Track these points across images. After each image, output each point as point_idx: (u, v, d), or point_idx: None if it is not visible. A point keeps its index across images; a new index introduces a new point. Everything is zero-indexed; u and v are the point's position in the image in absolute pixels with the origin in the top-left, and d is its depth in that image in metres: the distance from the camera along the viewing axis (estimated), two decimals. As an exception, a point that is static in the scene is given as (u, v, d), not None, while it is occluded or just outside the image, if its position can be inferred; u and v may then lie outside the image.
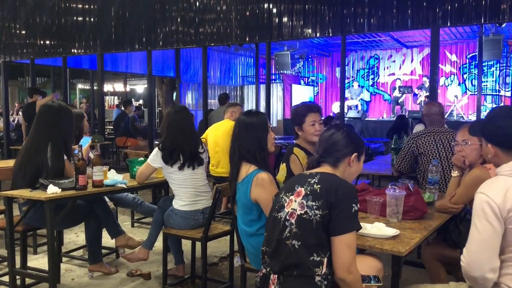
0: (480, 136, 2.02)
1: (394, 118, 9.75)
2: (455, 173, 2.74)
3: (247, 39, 7.37)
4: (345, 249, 1.79)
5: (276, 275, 1.88)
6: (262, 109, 8.88)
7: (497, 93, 12.28)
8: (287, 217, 1.88)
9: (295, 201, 1.88)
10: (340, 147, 2.04)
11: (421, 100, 11.55)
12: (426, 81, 11.02)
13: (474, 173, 2.44)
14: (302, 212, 1.84)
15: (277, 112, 13.50)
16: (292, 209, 1.88)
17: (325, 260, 1.81)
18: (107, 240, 3.77)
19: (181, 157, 3.26)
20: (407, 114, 10.54)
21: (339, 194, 1.81)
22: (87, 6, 8.74)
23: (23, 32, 9.51)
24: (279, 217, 1.92)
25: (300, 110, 3.09)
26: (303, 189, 1.89)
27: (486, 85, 12.21)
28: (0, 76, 10.01)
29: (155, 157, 3.30)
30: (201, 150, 3.40)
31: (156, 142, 7.53)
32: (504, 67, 12.12)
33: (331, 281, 1.83)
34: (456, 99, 11.98)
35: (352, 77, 13.87)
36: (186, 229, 3.27)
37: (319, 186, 1.86)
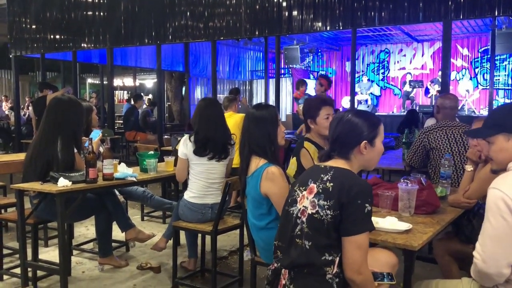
0: (494, 134, 1.87)
1: (405, 113, 9.67)
2: (469, 168, 2.70)
3: (257, 33, 7.34)
4: (356, 250, 1.74)
5: (288, 270, 1.86)
6: (272, 103, 8.84)
7: (510, 87, 12.09)
8: (299, 214, 1.85)
9: (307, 198, 1.84)
10: (346, 139, 1.89)
11: (432, 94, 11.42)
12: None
13: (489, 167, 2.40)
14: (314, 211, 1.79)
15: (287, 107, 13.44)
16: (303, 206, 1.84)
17: (337, 259, 1.78)
18: (117, 233, 3.78)
19: (213, 148, 3.26)
20: (417, 108, 10.43)
21: (352, 193, 1.73)
22: (96, 1, 8.76)
23: (34, 27, 9.58)
24: (291, 212, 1.89)
25: (314, 103, 3.05)
26: (315, 186, 1.83)
27: (498, 79, 12.02)
28: (11, 71, 10.10)
29: (184, 149, 3.29)
30: (232, 142, 3.40)
31: (166, 136, 7.56)
32: (517, 61, 11.93)
33: (343, 278, 1.80)
34: (468, 94, 11.84)
35: (362, 71, 13.75)
36: (193, 222, 3.26)
37: (331, 184, 1.79)
